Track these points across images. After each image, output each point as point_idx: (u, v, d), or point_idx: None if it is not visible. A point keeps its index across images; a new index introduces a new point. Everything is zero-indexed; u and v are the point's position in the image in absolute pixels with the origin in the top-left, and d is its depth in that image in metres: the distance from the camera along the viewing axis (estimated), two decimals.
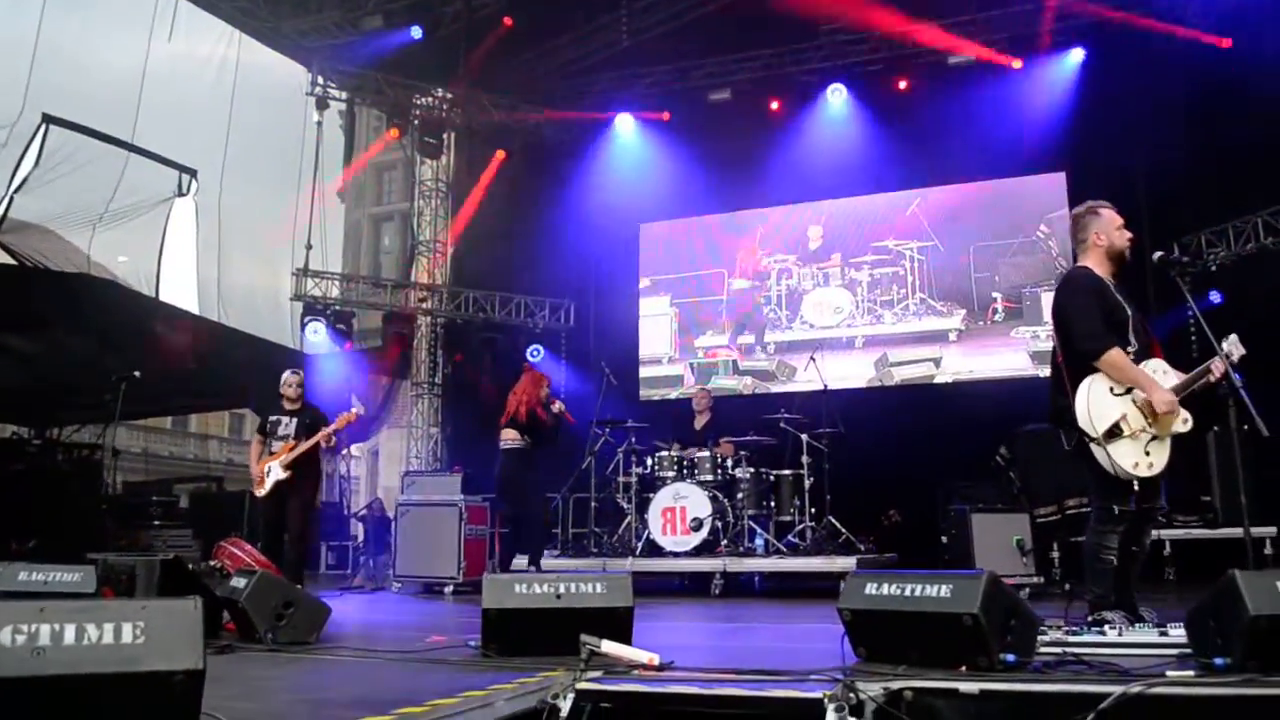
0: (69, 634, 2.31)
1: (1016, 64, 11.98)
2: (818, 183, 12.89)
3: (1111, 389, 4.39)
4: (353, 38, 13.10)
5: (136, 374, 8.78)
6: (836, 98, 12.82)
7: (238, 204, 15.42)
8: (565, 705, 3.33)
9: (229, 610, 5.21)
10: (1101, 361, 4.38)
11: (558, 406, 9.62)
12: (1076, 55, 11.76)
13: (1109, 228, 4.68)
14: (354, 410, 8.63)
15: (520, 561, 9.19)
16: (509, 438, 9.46)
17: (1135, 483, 4.29)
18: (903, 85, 12.55)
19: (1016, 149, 11.89)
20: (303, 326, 13.01)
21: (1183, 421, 4.38)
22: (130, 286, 13.48)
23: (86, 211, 12.90)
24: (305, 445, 8.22)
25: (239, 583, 5.19)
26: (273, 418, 8.42)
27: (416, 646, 4.73)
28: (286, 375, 8.56)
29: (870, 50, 12.63)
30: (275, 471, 8.12)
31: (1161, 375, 4.46)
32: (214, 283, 14.57)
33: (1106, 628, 4.12)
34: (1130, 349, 4.44)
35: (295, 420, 8.36)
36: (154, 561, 5.28)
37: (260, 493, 8.17)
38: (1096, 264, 4.67)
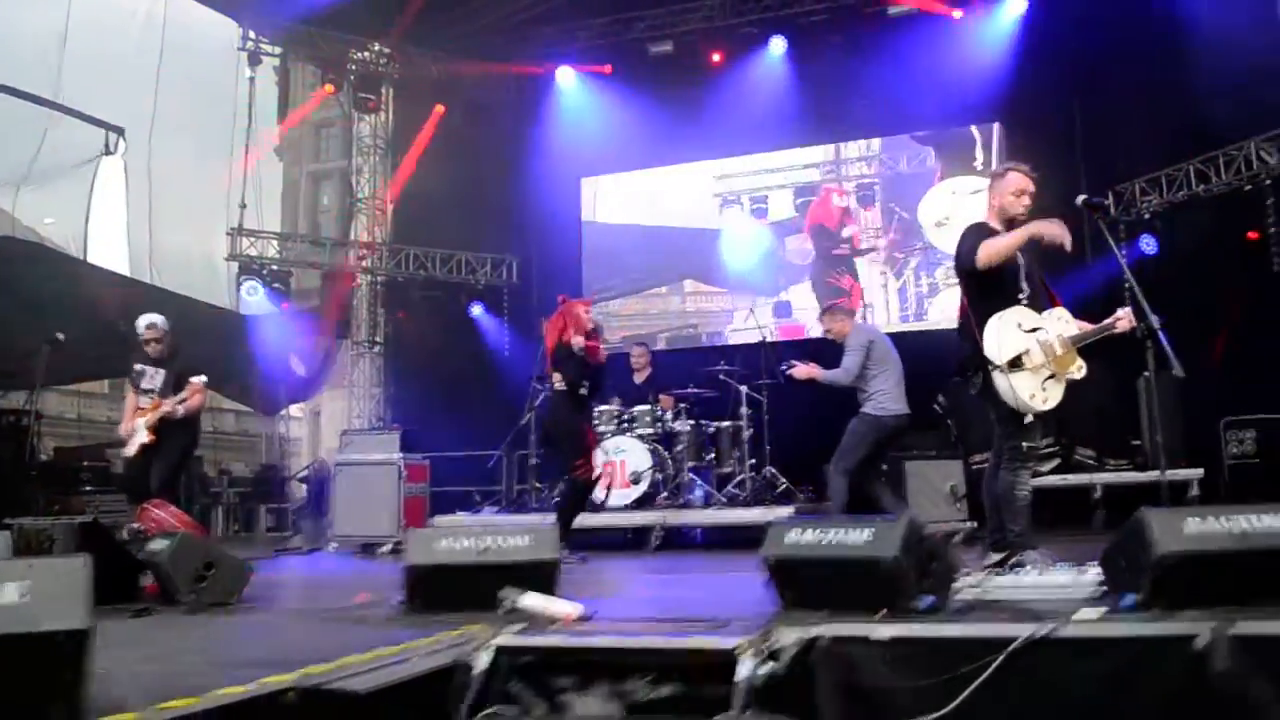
0: None
1: (957, 14, 11.93)
2: (760, 135, 12.80)
3: (1019, 324, 4.64)
4: None
5: (60, 336, 8.45)
6: (778, 48, 12.70)
7: (169, 163, 15.09)
8: (483, 660, 3.30)
9: (151, 572, 5.12)
10: (986, 253, 4.61)
11: (579, 343, 7.63)
12: (1016, 4, 11.70)
13: (1005, 192, 4.88)
14: (201, 379, 7.07)
15: (753, 515, 8.44)
16: (554, 379, 7.80)
17: (1029, 416, 4.58)
18: (843, 36, 12.45)
19: (955, 99, 11.88)
20: (238, 287, 12.73)
21: (1078, 368, 4.66)
22: (57, 248, 13.17)
23: (9, 172, 12.62)
24: (163, 408, 7.01)
25: (159, 545, 5.10)
26: (137, 366, 7.23)
27: (338, 605, 4.67)
28: (141, 326, 7.32)
29: (812, 0, 12.52)
30: (140, 434, 7.01)
31: (1064, 324, 4.75)
32: (145, 243, 14.25)
33: (1027, 569, 4.16)
34: (1022, 294, 4.72)
35: (163, 372, 7.18)
36: (72, 525, 5.18)
37: (128, 453, 7.18)
38: (993, 221, 4.89)
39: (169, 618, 4.52)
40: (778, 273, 12.92)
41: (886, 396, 7.26)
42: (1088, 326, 4.72)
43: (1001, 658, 2.91)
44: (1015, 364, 4.55)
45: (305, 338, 14.29)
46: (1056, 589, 3.84)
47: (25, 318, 10.89)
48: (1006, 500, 4.69)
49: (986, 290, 4.75)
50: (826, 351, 8.07)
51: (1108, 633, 3.00)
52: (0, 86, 12.28)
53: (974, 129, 12.27)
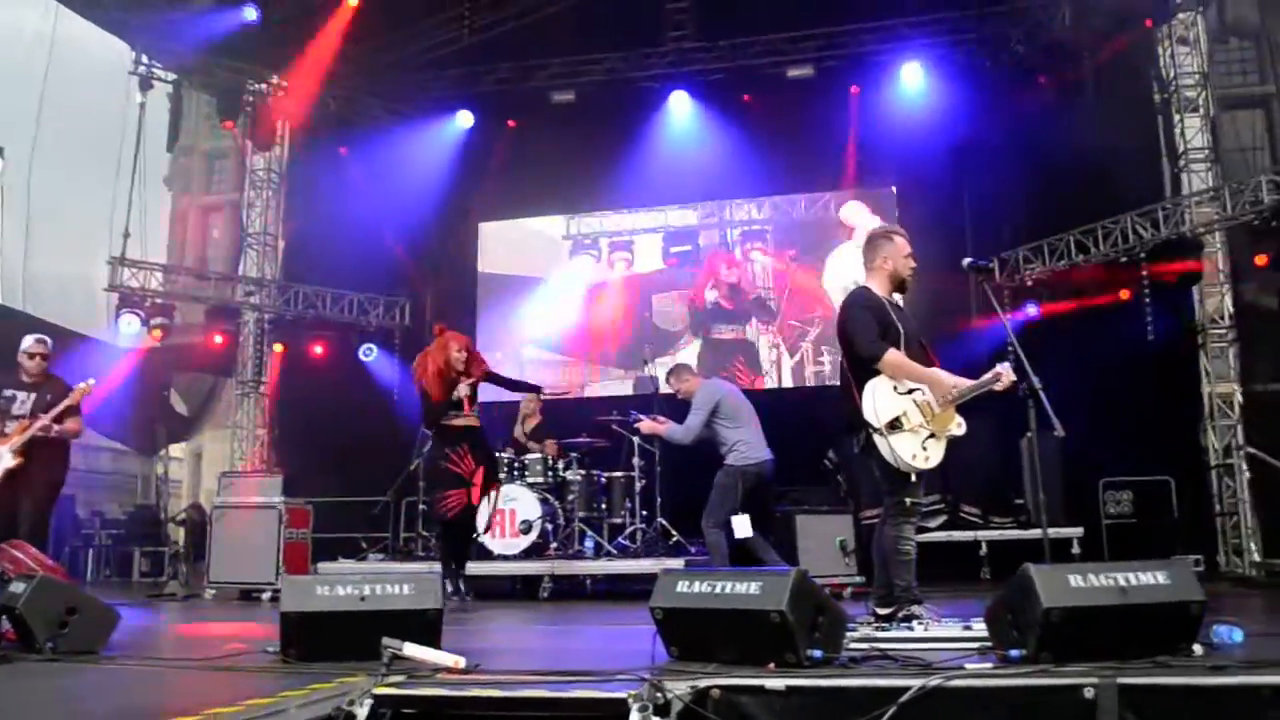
0: None
1: (854, 90, 12.29)
2: (660, 187, 12.93)
3: (895, 388, 4.76)
4: (182, 15, 12.41)
5: None
6: (679, 103, 12.88)
7: (50, 185, 14.51)
8: (362, 711, 3.16)
9: (8, 617, 4.80)
10: (883, 363, 4.75)
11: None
12: (910, 75, 12.10)
13: (897, 255, 5.02)
14: (88, 383, 6.95)
15: (643, 565, 8.55)
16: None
17: (912, 475, 4.69)
18: (745, 97, 12.70)
19: (851, 162, 12.24)
20: (116, 318, 12.23)
21: (957, 425, 4.77)
22: None
23: None
24: (35, 426, 6.71)
25: (17, 588, 4.78)
26: (6, 392, 6.90)
27: (210, 655, 4.45)
28: (29, 341, 7.05)
29: (714, 59, 12.75)
30: (5, 458, 6.66)
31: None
32: (19, 271, 13.62)
33: (915, 623, 4.20)
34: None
35: (34, 396, 6.88)
36: None
37: None
38: (879, 285, 5.02)
39: (27, 666, 4.22)
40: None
41: (746, 446, 7.34)
42: (965, 383, 4.79)
43: (894, 708, 2.91)
44: (894, 425, 4.66)
45: (187, 374, 13.81)
46: (944, 643, 3.88)
47: None
48: (892, 555, 4.75)
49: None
50: None
51: (999, 683, 3.03)
52: None
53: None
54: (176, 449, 18.72)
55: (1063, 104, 10.98)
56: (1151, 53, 11.49)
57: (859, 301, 4.93)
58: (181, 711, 2.96)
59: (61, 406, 6.78)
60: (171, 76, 13.08)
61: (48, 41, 13.72)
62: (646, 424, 7.76)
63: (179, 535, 13.67)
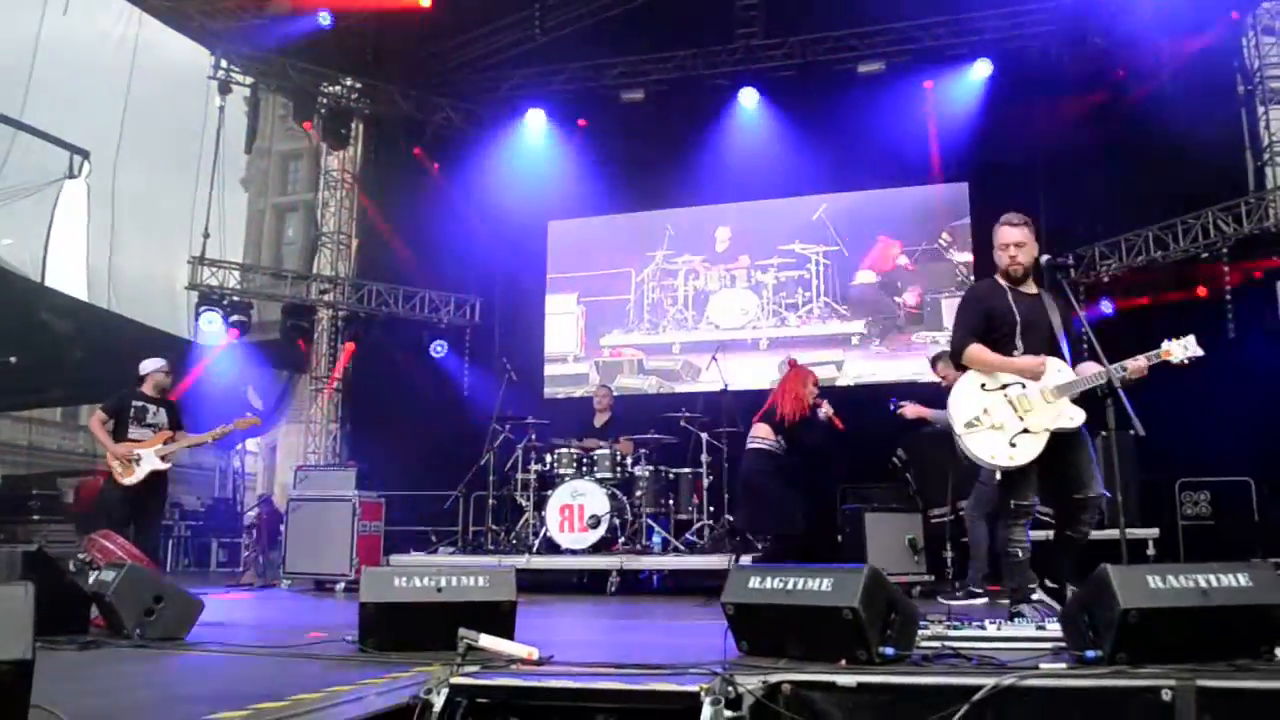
0: None
1: (927, 84, 12.15)
2: (727, 185, 12.90)
3: (983, 385, 4.74)
4: (259, 21, 12.72)
5: (12, 359, 8.33)
6: (749, 101, 12.85)
7: (133, 188, 14.97)
8: (439, 700, 3.22)
9: (97, 605, 4.98)
10: (965, 358, 4.77)
11: (825, 411, 8.10)
12: (983, 68, 11.94)
13: (996, 245, 5.01)
14: (252, 419, 8.24)
15: (710, 561, 8.50)
16: (760, 435, 8.07)
17: (997, 473, 4.68)
18: (813, 91, 12.64)
19: (922, 158, 12.10)
20: (197, 316, 12.59)
21: (1068, 418, 4.60)
22: (14, 270, 12.96)
23: None
24: (198, 439, 7.97)
25: (107, 576, 4.96)
26: (137, 403, 7.80)
27: (291, 643, 4.56)
28: (161, 363, 8.01)
29: (784, 55, 12.70)
30: (151, 460, 7.61)
31: (1056, 373, 4.70)
32: (105, 269, 14.05)
33: (986, 622, 4.16)
34: (1016, 351, 4.74)
35: (164, 410, 7.88)
36: (15, 552, 5.00)
37: (131, 480, 7.56)
38: (1000, 274, 4.96)
39: (115, 651, 4.38)
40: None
41: None
42: (1078, 375, 4.67)
43: (966, 706, 2.89)
44: (970, 425, 4.66)
45: (264, 370, 14.12)
46: (1018, 642, 3.84)
47: None
48: (1001, 555, 4.73)
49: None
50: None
51: (1074, 684, 2.99)
52: None
53: None
54: (252, 443, 19.15)
55: (1141, 96, 10.73)
56: (1236, 44, 11.19)
57: (968, 295, 5.00)
58: (267, 697, 3.04)
59: (229, 428, 7.91)
60: (249, 80, 13.40)
61: (131, 48, 14.11)
62: (911, 409, 7.78)
63: (253, 526, 13.98)
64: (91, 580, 5.15)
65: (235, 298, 12.92)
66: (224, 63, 13.04)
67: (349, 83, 13.79)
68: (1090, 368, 4.65)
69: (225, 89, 13.14)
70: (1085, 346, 5.04)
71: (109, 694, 3.28)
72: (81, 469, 19.26)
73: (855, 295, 12.67)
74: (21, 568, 4.87)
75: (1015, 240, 4.90)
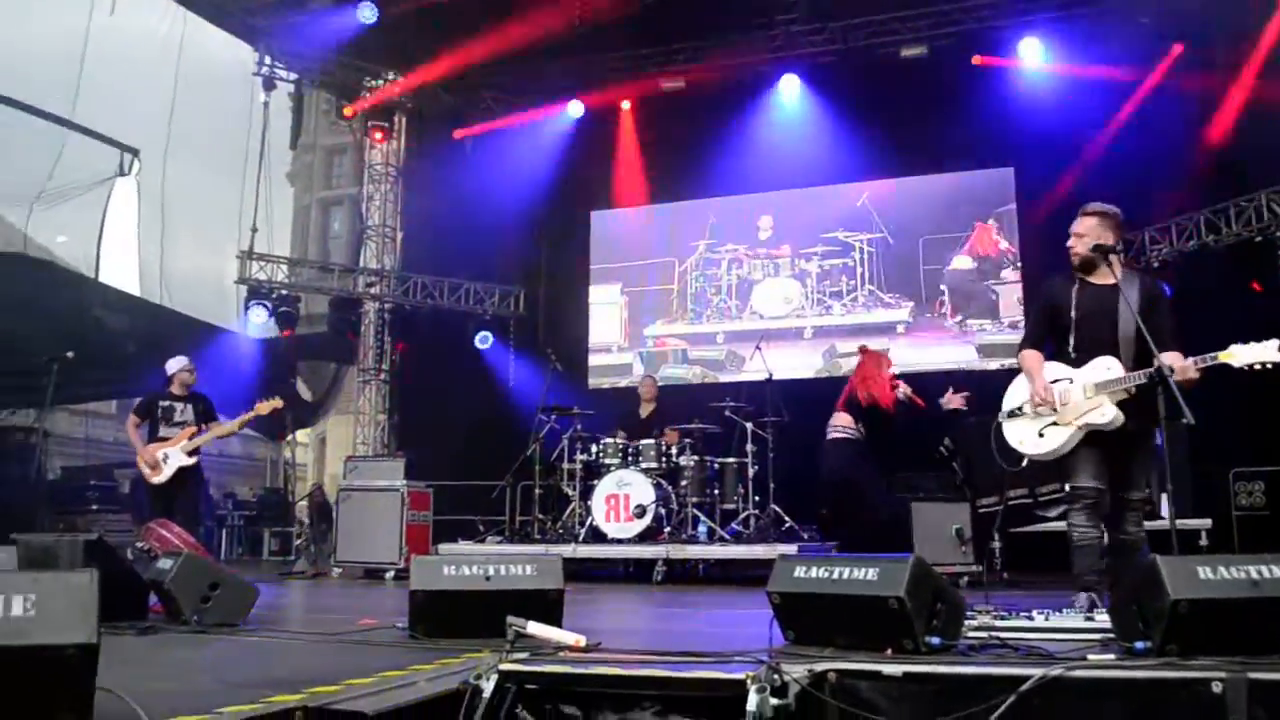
0: None
1: (977, 60, 11.99)
2: (769, 173, 12.86)
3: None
4: (302, 17, 12.87)
5: (70, 355, 8.52)
6: (790, 88, 12.79)
7: (181, 185, 15.19)
8: (488, 686, 3.27)
9: (156, 592, 5.10)
10: (1019, 361, 4.98)
11: (903, 390, 8.07)
12: (1030, 49, 11.77)
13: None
14: (273, 401, 8.30)
15: (755, 551, 8.53)
16: (842, 423, 8.01)
17: (1025, 460, 4.85)
18: (854, 77, 12.55)
19: (966, 143, 11.97)
20: (246, 310, 12.80)
21: (1100, 414, 4.59)
22: (69, 267, 13.23)
23: (24, 190, 12.66)
24: (225, 429, 8.30)
25: (165, 564, 5.08)
26: (164, 403, 8.14)
27: (343, 629, 4.65)
28: (184, 362, 8.30)
29: (825, 41, 12.63)
30: (178, 457, 7.90)
31: (1098, 371, 4.67)
32: (156, 264, 14.32)
33: (1034, 612, 4.14)
34: (1070, 347, 4.79)
35: (190, 406, 8.16)
36: (77, 541, 5.14)
37: (159, 480, 7.87)
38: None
39: (174, 637, 4.49)
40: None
41: None
42: (1121, 375, 4.60)
43: (1013, 698, 2.89)
44: (1014, 414, 4.89)
45: (312, 363, 14.31)
46: (1066, 633, 3.82)
47: (36, 336, 10.93)
48: (1070, 541, 4.73)
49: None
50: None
51: (1123, 675, 2.98)
52: (17, 103, 12.39)
53: None
54: (302, 434, 19.42)
55: (1194, 74, 10.52)
56: None
57: (1037, 293, 5.13)
58: (320, 681, 3.11)
59: (249, 416, 8.17)
60: (293, 76, 13.57)
61: (176, 46, 14.32)
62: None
63: (304, 515, 14.20)
64: (150, 568, 5.29)
65: (283, 291, 13.12)
66: (268, 59, 13.22)
67: (391, 76, 13.90)
68: (1173, 358, 4.45)
69: (269, 85, 13.33)
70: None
71: (169, 678, 3.37)
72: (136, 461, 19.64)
73: (949, 281, 12.52)
74: (83, 556, 5.01)
75: (1075, 230, 4.87)
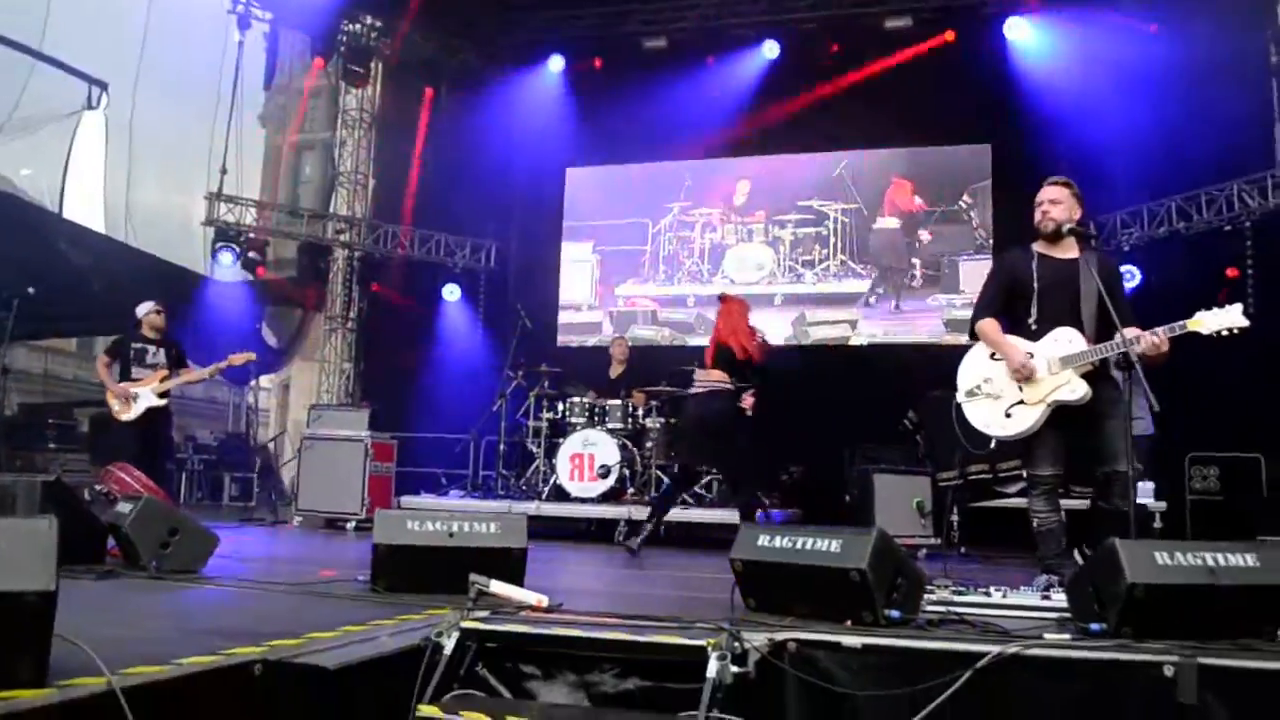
0: None
1: (950, 36, 11.97)
2: (748, 138, 12.81)
3: (992, 355, 4.79)
4: None
5: (30, 290, 8.45)
6: (771, 54, 12.71)
7: (151, 122, 14.92)
8: (449, 643, 3.28)
9: (114, 536, 5.06)
10: (977, 330, 4.85)
11: (761, 335, 7.81)
12: (1014, 26, 11.75)
13: (1036, 207, 4.88)
14: (247, 354, 8.50)
15: (719, 515, 8.54)
16: (715, 378, 7.55)
17: (993, 441, 4.88)
18: (836, 47, 12.47)
19: (945, 118, 11.97)
20: (214, 253, 12.61)
21: (1069, 390, 4.56)
22: (32, 200, 12.98)
23: None
24: (196, 375, 8.51)
25: (124, 508, 5.04)
26: (136, 345, 8.31)
27: (303, 580, 4.64)
28: (153, 306, 8.41)
29: (809, 6, 12.53)
30: (148, 397, 8.09)
31: (1061, 345, 4.63)
32: (122, 202, 14.07)
33: (991, 589, 4.20)
34: (1030, 319, 4.71)
35: (162, 350, 8.34)
36: (35, 482, 5.07)
37: (128, 416, 8.04)
38: (1039, 240, 4.88)
39: (133, 583, 4.46)
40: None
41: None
42: (1086, 347, 4.57)
43: (970, 673, 2.94)
44: (971, 394, 4.79)
45: (278, 308, 14.16)
46: (1022, 610, 3.88)
47: None
48: (1032, 525, 4.74)
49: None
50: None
51: (1078, 655, 3.03)
52: None
53: None
54: (266, 380, 19.23)
55: (1171, 59, 10.54)
56: (1270, 12, 10.97)
57: (993, 265, 4.99)
58: (282, 634, 3.10)
59: (222, 366, 8.43)
60: (269, 16, 13.28)
61: None
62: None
63: (269, 462, 14.13)
64: (109, 511, 5.24)
65: (251, 235, 12.92)
66: None
67: (369, 20, 13.66)
68: (1134, 332, 4.41)
69: (244, 24, 13.02)
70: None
71: (127, 625, 3.35)
72: (97, 400, 19.44)
73: (875, 245, 12.57)
74: (41, 498, 4.95)
75: (1050, 197, 4.81)
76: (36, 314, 10.37)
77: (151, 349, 8.29)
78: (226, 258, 12.50)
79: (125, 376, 8.15)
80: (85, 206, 13.72)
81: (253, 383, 16.48)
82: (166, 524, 4.90)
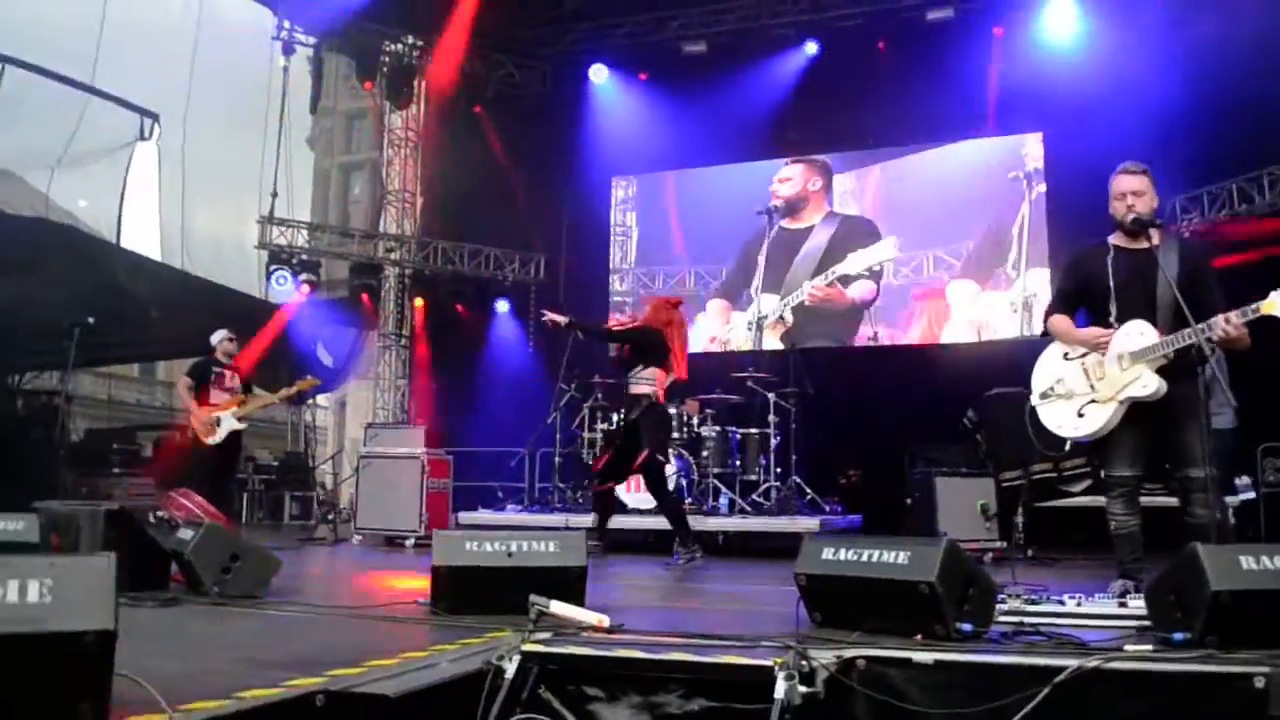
0: None
1: (997, 31, 11.75)
2: (792, 137, 12.71)
3: (1065, 354, 4.62)
4: None
5: (90, 320, 8.59)
6: (812, 52, 12.57)
7: (202, 150, 15.12)
8: (511, 667, 3.24)
9: (176, 562, 5.09)
10: (1049, 328, 4.73)
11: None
12: (1060, 11, 11.51)
13: (1111, 196, 4.65)
14: (313, 380, 9.37)
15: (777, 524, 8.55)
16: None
17: (1068, 443, 4.73)
18: (879, 41, 12.30)
19: (993, 107, 11.76)
20: (268, 275, 12.79)
21: (1141, 385, 4.35)
22: (91, 231, 13.22)
23: (45, 154, 12.65)
24: (267, 399, 9.10)
25: (186, 534, 5.05)
26: (216, 369, 8.70)
27: (364, 603, 4.63)
28: (226, 334, 8.85)
29: (849, 3, 12.38)
30: (229, 422, 8.48)
31: (1136, 337, 4.42)
32: (177, 229, 14.30)
33: (1065, 597, 4.07)
34: (1110, 316, 4.50)
35: (236, 375, 8.77)
36: (98, 511, 5.13)
37: (214, 440, 8.41)
38: (1116, 233, 4.65)
39: (195, 609, 4.47)
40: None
41: None
42: (1160, 339, 4.35)
43: (1048, 689, 2.82)
44: (1045, 396, 4.64)
45: (333, 328, 14.31)
46: (1100, 620, 3.75)
47: (58, 300, 10.92)
48: (1110, 529, 4.55)
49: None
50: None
51: (1162, 668, 2.90)
52: (38, 69, 12.31)
53: None
54: (323, 398, 19.46)
55: (1227, 37, 10.24)
56: None
57: (1064, 262, 4.85)
58: (343, 662, 3.07)
59: (293, 390, 9.18)
60: (312, 40, 13.44)
61: (195, 10, 14.24)
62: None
63: (326, 481, 14.26)
64: (171, 538, 5.27)
65: (304, 256, 13.08)
66: (287, 23, 13.10)
67: (410, 41, 13.77)
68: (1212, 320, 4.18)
69: (289, 50, 13.22)
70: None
71: (188, 656, 3.34)
72: (159, 423, 19.80)
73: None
74: (105, 526, 4.99)
75: (1134, 189, 4.56)
76: (98, 341, 10.55)
77: (228, 374, 8.71)
78: (281, 280, 12.67)
79: (203, 401, 8.51)
80: (142, 235, 13.97)
81: (310, 402, 16.66)
82: (228, 549, 4.91)
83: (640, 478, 8.85)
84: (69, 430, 12.25)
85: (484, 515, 9.62)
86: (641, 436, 7.23)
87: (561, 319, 7.61)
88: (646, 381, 7.28)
